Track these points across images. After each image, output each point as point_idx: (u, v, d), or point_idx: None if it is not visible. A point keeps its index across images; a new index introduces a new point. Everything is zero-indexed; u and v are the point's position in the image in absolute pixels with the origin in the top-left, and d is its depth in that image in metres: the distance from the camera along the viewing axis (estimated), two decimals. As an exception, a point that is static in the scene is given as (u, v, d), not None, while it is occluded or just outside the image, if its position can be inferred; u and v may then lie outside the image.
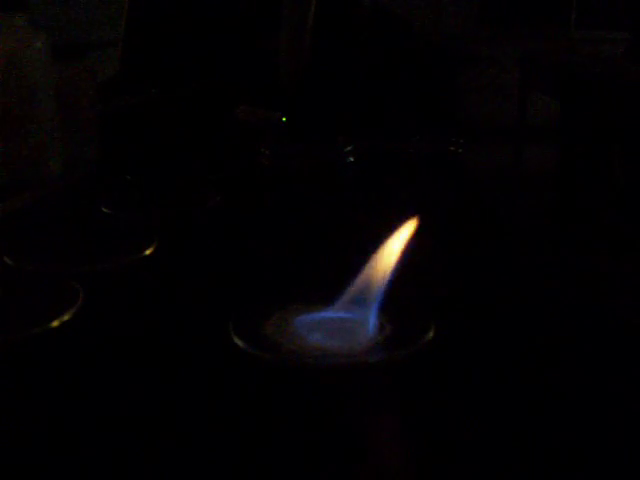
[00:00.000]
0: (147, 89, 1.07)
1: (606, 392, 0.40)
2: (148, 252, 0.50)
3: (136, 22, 1.41)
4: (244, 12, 1.38)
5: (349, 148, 0.73)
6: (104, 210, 0.61)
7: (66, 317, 0.39)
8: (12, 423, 0.36)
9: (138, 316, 0.47)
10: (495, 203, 0.77)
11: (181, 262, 0.56)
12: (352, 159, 0.72)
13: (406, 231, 0.42)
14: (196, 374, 0.41)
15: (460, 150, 0.77)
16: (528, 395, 0.39)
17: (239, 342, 0.38)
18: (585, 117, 2.51)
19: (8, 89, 0.75)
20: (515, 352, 0.44)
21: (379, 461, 0.34)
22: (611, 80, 2.41)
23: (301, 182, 0.71)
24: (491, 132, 3.96)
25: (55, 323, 0.38)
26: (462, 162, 0.78)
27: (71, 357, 0.41)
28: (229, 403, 0.38)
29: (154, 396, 0.39)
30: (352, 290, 0.41)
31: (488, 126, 4.14)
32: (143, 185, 0.73)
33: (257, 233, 0.64)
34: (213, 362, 0.42)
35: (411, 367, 0.38)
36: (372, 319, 0.40)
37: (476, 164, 0.87)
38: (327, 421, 0.36)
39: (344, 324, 0.41)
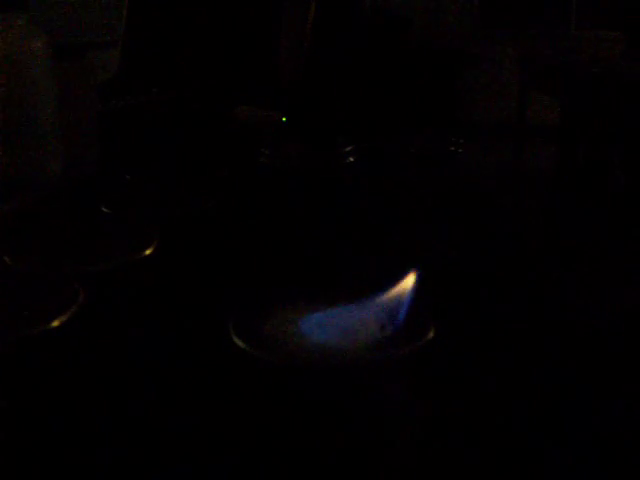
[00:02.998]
0: (147, 89, 1.07)
1: (604, 390, 0.40)
2: (148, 252, 0.50)
3: (136, 22, 1.41)
4: (244, 12, 1.38)
5: (349, 148, 0.73)
6: (104, 210, 0.61)
7: (66, 317, 0.39)
8: (12, 423, 0.36)
9: (138, 316, 0.47)
10: (495, 203, 0.77)
11: (181, 262, 0.56)
12: (352, 159, 0.72)
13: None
14: (196, 374, 0.41)
15: (460, 150, 0.77)
16: (528, 394, 0.39)
17: (239, 342, 0.38)
18: (585, 117, 2.50)
19: (8, 89, 0.75)
20: (515, 352, 0.44)
21: (380, 460, 0.34)
22: (611, 80, 2.41)
23: (301, 182, 0.71)
24: (491, 132, 3.95)
25: (55, 323, 0.38)
26: (462, 162, 0.78)
27: (71, 357, 0.41)
28: (229, 403, 0.38)
29: (154, 396, 0.39)
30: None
31: (488, 126, 4.14)
32: (143, 185, 0.73)
33: (257, 233, 0.64)
34: (213, 362, 0.42)
35: (411, 367, 0.38)
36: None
37: (476, 164, 0.87)
38: (327, 421, 0.36)
39: (344, 323, 0.41)
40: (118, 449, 0.35)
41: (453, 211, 0.71)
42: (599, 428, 0.36)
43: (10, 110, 0.75)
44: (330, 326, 0.41)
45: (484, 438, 0.36)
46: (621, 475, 0.34)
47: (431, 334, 0.38)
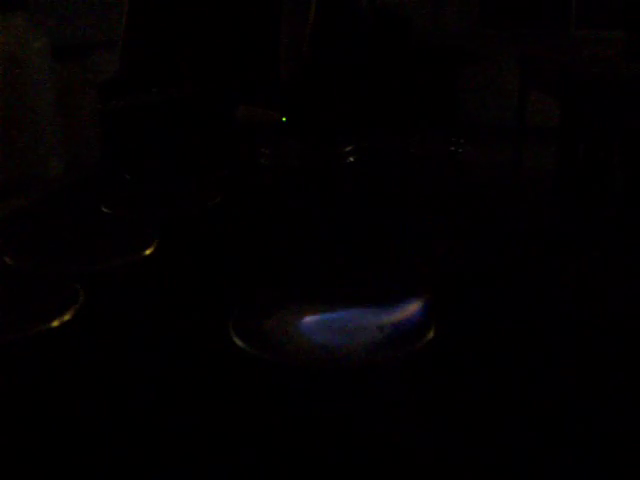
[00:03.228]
0: (147, 89, 1.07)
1: (605, 390, 0.40)
2: (148, 252, 0.50)
3: (136, 22, 1.41)
4: (244, 12, 1.38)
5: (349, 148, 0.73)
6: (104, 210, 0.61)
7: (66, 317, 0.39)
8: (12, 423, 0.36)
9: (138, 316, 0.47)
10: (495, 203, 0.77)
11: (181, 262, 0.56)
12: (352, 159, 0.72)
13: None
14: (196, 374, 0.41)
15: (460, 150, 0.77)
16: (528, 394, 0.39)
17: (239, 342, 0.38)
18: (585, 117, 2.50)
19: (8, 89, 0.75)
20: (515, 352, 0.44)
21: (380, 461, 0.34)
22: (611, 80, 2.41)
23: (301, 182, 0.71)
24: (491, 132, 3.95)
25: (55, 323, 0.38)
26: (462, 162, 0.78)
27: (71, 357, 0.41)
28: (229, 403, 0.38)
29: (154, 396, 0.39)
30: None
31: (488, 126, 4.14)
32: (143, 185, 0.73)
33: (257, 233, 0.64)
34: (213, 362, 0.42)
35: (411, 366, 0.38)
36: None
37: (476, 164, 0.87)
38: (327, 421, 0.36)
39: (344, 324, 0.41)
40: (118, 449, 0.35)
41: (453, 211, 0.71)
42: (600, 428, 0.36)
43: (10, 110, 0.75)
44: (330, 327, 0.41)
45: (484, 438, 0.36)
46: (621, 475, 0.34)
47: (431, 334, 0.38)
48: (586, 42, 4.12)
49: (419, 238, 0.63)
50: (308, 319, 0.41)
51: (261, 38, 1.36)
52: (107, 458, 0.34)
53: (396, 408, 0.37)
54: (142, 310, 0.48)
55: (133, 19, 1.41)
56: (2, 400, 0.37)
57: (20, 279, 0.46)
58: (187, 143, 0.94)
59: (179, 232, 0.60)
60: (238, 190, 0.75)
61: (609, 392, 0.40)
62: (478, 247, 0.61)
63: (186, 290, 0.52)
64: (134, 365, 0.42)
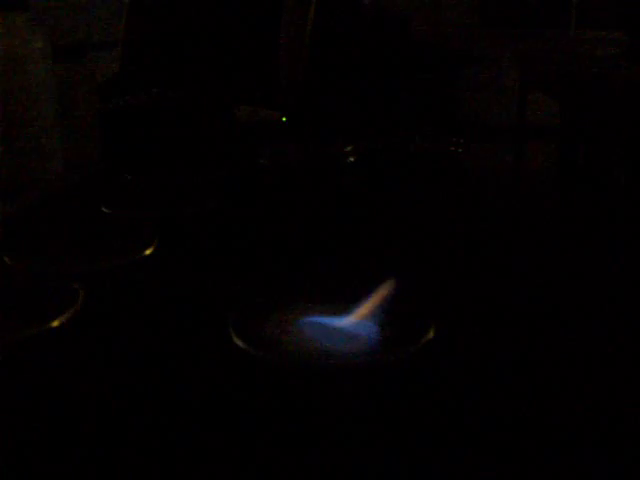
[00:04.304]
0: (147, 89, 1.07)
1: (607, 391, 0.40)
2: (148, 252, 0.50)
3: (136, 22, 1.41)
4: (244, 12, 1.38)
5: (349, 148, 0.73)
6: (104, 210, 0.61)
7: (66, 317, 0.39)
8: (12, 423, 0.36)
9: (138, 316, 0.47)
10: (495, 203, 0.77)
11: (181, 262, 0.56)
12: (352, 159, 0.72)
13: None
14: (196, 374, 0.41)
15: (460, 150, 0.77)
16: (528, 395, 0.39)
17: (239, 342, 0.38)
18: (585, 117, 2.50)
19: (8, 89, 0.75)
20: (515, 352, 0.44)
21: (380, 461, 0.34)
22: (611, 80, 2.41)
23: (301, 182, 0.71)
24: (491, 132, 3.95)
25: (55, 323, 0.38)
26: (462, 162, 0.78)
27: (71, 357, 0.41)
28: (229, 403, 0.38)
29: (154, 396, 0.39)
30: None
31: (488, 126, 4.13)
32: (143, 185, 0.73)
33: (257, 233, 0.64)
34: (213, 362, 0.42)
35: (411, 367, 0.38)
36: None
37: (476, 164, 0.87)
38: (327, 421, 0.36)
39: (344, 324, 0.41)
40: (117, 449, 0.35)
41: (453, 211, 0.71)
42: (603, 429, 0.36)
43: (10, 110, 0.75)
44: (330, 326, 0.41)
45: (484, 438, 0.36)
46: (622, 476, 0.34)
47: (431, 334, 0.38)
48: (586, 42, 4.11)
49: (419, 238, 0.63)
50: (308, 319, 0.41)
51: (261, 38, 1.36)
52: (107, 459, 0.34)
53: (396, 408, 0.37)
54: (142, 310, 0.48)
55: (133, 19, 1.41)
56: (2, 400, 0.37)
57: (20, 279, 0.46)
58: (187, 143, 0.94)
59: (179, 232, 0.60)
60: (238, 190, 0.75)
61: (613, 392, 0.40)
62: (478, 247, 0.61)
63: (186, 290, 0.52)
64: (134, 365, 0.42)
